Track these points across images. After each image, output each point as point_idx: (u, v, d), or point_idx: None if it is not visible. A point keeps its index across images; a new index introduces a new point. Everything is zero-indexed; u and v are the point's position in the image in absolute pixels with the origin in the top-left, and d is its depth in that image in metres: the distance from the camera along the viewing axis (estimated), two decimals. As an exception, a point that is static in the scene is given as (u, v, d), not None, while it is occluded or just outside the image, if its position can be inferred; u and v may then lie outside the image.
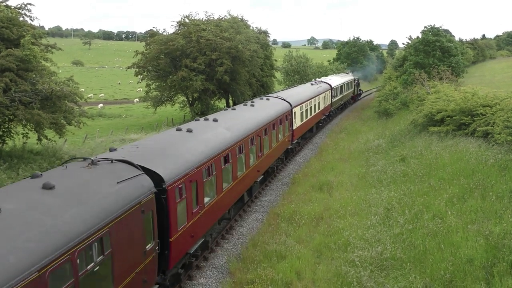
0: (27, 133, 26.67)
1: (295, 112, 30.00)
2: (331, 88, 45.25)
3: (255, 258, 15.51)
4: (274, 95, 30.90)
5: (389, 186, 20.67)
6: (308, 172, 26.96)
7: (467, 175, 17.95)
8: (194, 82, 42.68)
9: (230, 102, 51.88)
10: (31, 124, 25.12)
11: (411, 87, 43.87)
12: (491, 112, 22.60)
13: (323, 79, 49.09)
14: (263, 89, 54.91)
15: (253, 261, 15.25)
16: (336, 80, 50.67)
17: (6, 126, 26.47)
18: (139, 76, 48.24)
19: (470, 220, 14.37)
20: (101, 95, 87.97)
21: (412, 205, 17.09)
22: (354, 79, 64.18)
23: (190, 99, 47.84)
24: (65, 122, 26.58)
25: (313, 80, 49.04)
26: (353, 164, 27.68)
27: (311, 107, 35.74)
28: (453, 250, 12.88)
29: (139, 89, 78.61)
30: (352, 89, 62.47)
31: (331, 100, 45.53)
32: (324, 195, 22.05)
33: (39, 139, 25.95)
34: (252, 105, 25.09)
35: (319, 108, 39.22)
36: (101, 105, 68.74)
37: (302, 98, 33.01)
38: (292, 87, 41.38)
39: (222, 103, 54.83)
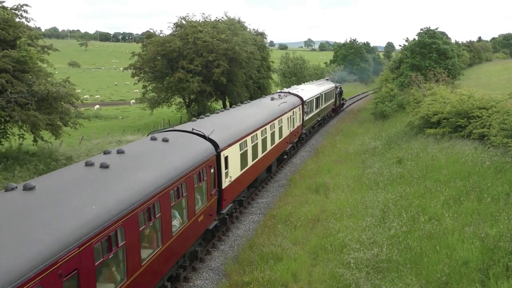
0: (23, 134, 26.59)
1: (226, 157, 17.39)
2: (303, 103, 33.82)
3: (252, 260, 15.49)
4: (189, 126, 17.39)
5: (386, 188, 20.71)
6: (305, 174, 26.98)
7: (463, 177, 17.99)
8: (191, 83, 42.66)
9: (227, 103, 51.87)
10: (27, 125, 25.08)
11: (407, 89, 44.01)
12: (487, 114, 22.67)
13: (293, 89, 38.10)
14: (260, 90, 54.92)
15: (250, 263, 15.24)
16: (310, 90, 39.38)
17: (2, 127, 26.39)
18: (135, 78, 48.17)
19: (466, 222, 14.40)
20: (97, 96, 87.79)
21: (409, 207, 17.11)
22: (336, 87, 53.02)
23: (187, 100, 47.80)
24: (61, 123, 26.53)
25: (277, 91, 37.23)
26: (350, 166, 27.71)
27: (265, 139, 23.16)
28: (449, 252, 12.90)
29: (136, 90, 78.58)
30: (333, 100, 51.56)
31: (303, 119, 34.21)
32: (320, 197, 22.07)
33: (35, 140, 25.88)
34: (104, 167, 11.25)
35: (281, 136, 26.76)
36: (97, 106, 68.59)
37: (244, 130, 20.12)
38: (234, 108, 25.40)
39: (219, 105, 54.82)
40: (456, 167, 19.46)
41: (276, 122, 25.53)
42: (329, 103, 48.15)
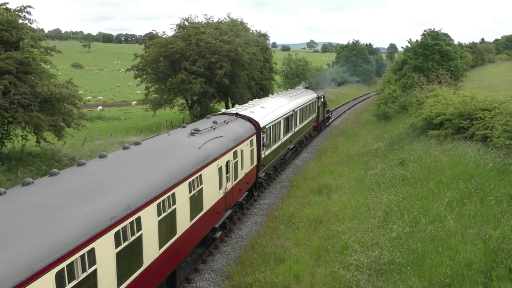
0: (26, 136, 26.66)
1: None
2: (259, 130, 22.19)
3: (254, 261, 15.50)
4: None
5: (388, 189, 20.67)
6: (307, 175, 26.96)
7: (466, 179, 17.95)
8: (194, 85, 42.72)
9: (229, 105, 51.89)
10: (30, 127, 25.13)
11: (410, 91, 43.96)
12: (489, 116, 22.62)
13: (246, 107, 24.91)
14: (262, 92, 54.97)
15: (252, 264, 15.25)
16: (275, 108, 26.96)
17: (5, 128, 26.45)
18: (138, 79, 48.28)
19: (468, 224, 14.37)
20: (100, 97, 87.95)
21: (411, 209, 17.09)
22: (318, 97, 40.98)
23: (189, 102, 47.87)
24: (64, 125, 26.57)
25: (220, 112, 23.97)
26: (352, 168, 27.69)
27: (137, 241, 10.44)
28: (452, 254, 12.87)
29: (138, 91, 78.74)
30: (315, 115, 40.26)
31: (259, 157, 22.44)
32: (323, 198, 22.06)
33: (38, 142, 25.95)
34: None
35: (199, 210, 14.51)
36: (100, 107, 68.72)
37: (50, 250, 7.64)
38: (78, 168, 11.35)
39: (221, 106, 54.88)
40: (459, 168, 19.42)
41: (182, 188, 12.93)
42: (308, 120, 36.47)
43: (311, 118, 37.96)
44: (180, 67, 44.31)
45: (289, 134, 29.63)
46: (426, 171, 20.95)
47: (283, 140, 27.73)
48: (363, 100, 77.21)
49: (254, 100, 30.40)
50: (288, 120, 28.99)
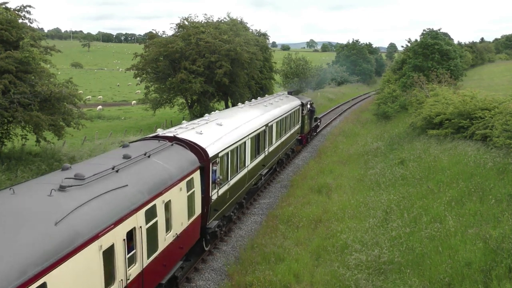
0: (26, 135, 26.66)
1: None
2: (207, 161, 15.45)
3: (254, 260, 15.51)
4: None
5: (388, 189, 20.69)
6: (307, 175, 26.97)
7: (465, 178, 17.96)
8: (193, 84, 42.71)
9: (229, 104, 51.88)
10: (30, 126, 25.12)
11: (410, 90, 43.95)
12: (489, 116, 22.63)
13: (190, 127, 17.48)
14: (262, 91, 54.95)
15: (252, 264, 15.26)
16: (236, 125, 20.17)
17: (5, 127, 26.44)
18: (138, 78, 48.27)
19: (468, 223, 14.38)
20: (99, 97, 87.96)
21: (411, 208, 17.10)
22: (302, 104, 34.52)
23: (189, 101, 47.86)
24: (64, 124, 26.57)
25: (141, 139, 16.60)
26: (352, 167, 27.69)
27: None
28: (452, 253, 12.88)
29: (138, 91, 78.74)
30: (298, 126, 34.08)
31: (207, 201, 15.56)
32: (322, 197, 22.07)
33: (37, 141, 25.95)
34: None
35: None
36: (100, 107, 68.70)
37: None
38: None
39: (221, 105, 54.87)
40: (459, 168, 19.43)
41: None
42: (289, 134, 30.23)
43: (293, 130, 31.63)
44: (180, 66, 44.29)
45: (261, 156, 23.05)
46: (426, 171, 20.96)
47: (250, 167, 20.94)
48: (362, 99, 77.20)
49: (213, 113, 23.25)
50: (259, 138, 22.59)
